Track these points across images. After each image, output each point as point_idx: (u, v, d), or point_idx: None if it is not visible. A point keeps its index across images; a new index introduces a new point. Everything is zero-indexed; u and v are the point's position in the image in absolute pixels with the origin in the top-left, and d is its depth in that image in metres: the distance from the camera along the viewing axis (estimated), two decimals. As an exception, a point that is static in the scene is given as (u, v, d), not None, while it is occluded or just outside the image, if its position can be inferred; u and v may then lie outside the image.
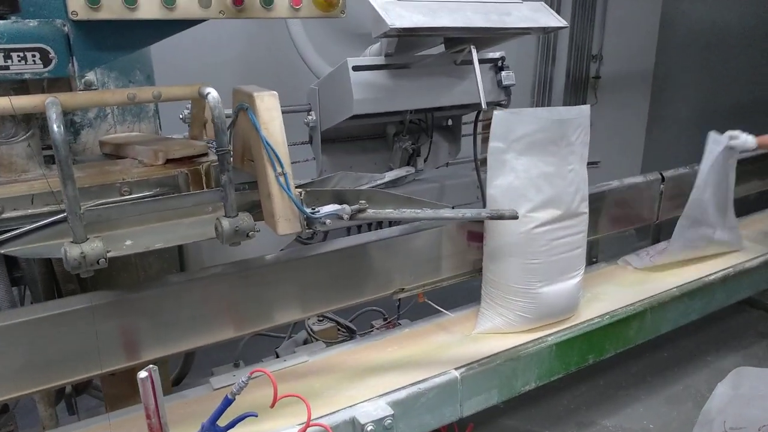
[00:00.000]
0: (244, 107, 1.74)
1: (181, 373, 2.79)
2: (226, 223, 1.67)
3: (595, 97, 6.11)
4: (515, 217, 2.18)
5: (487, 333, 2.55)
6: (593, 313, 2.72)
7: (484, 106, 2.35)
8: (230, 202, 1.68)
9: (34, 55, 1.53)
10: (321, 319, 3.10)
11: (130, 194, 1.74)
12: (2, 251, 1.60)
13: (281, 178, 1.73)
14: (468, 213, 2.04)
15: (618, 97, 6.27)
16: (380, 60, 2.50)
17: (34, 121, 1.67)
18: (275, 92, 1.75)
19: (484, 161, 3.26)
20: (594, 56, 5.97)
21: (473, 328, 2.61)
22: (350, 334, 3.20)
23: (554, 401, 3.30)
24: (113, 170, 1.79)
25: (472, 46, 2.37)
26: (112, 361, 2.00)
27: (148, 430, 1.51)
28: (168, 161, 1.82)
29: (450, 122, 3.26)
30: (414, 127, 3.01)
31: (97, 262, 1.53)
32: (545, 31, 2.58)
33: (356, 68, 2.41)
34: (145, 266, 2.22)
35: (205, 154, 1.89)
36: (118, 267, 2.17)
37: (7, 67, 1.51)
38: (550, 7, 2.73)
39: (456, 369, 2.28)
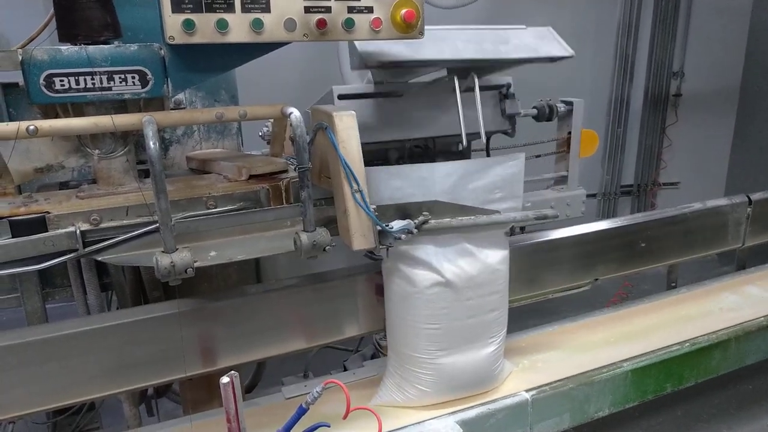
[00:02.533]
0: (323, 126, 1.80)
1: (253, 381, 2.87)
2: (304, 237, 1.73)
3: (676, 115, 5.87)
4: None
5: (385, 406, 2.15)
6: (666, 342, 2.56)
7: (483, 138, 2.28)
8: (309, 217, 1.74)
9: (133, 77, 1.65)
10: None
11: (216, 208, 1.83)
12: (99, 258, 1.73)
13: (357, 195, 1.77)
14: (517, 216, 2.04)
15: (700, 115, 6.00)
16: (369, 88, 2.31)
17: (131, 137, 1.80)
18: (353, 112, 1.80)
19: (562, 179, 3.20)
20: (675, 73, 5.75)
21: (540, 349, 2.55)
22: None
23: (628, 430, 3.16)
24: (200, 185, 1.90)
25: (473, 74, 2.20)
26: (192, 366, 2.10)
27: (226, 434, 1.57)
28: (251, 177, 1.91)
29: (461, 147, 3.15)
30: (418, 151, 2.89)
31: (185, 271, 1.61)
32: (552, 60, 2.30)
33: (341, 97, 2.23)
34: (225, 276, 2.33)
35: (285, 171, 1.97)
36: (200, 276, 2.26)
37: (109, 88, 1.64)
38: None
39: (527, 391, 2.23)
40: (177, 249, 1.63)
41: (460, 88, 2.21)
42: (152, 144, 1.54)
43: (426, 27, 1.85)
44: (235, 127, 2.32)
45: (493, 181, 2.06)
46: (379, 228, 1.79)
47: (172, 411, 2.96)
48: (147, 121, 1.58)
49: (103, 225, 1.73)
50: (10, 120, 2.60)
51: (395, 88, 2.30)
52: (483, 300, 2.07)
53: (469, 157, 2.86)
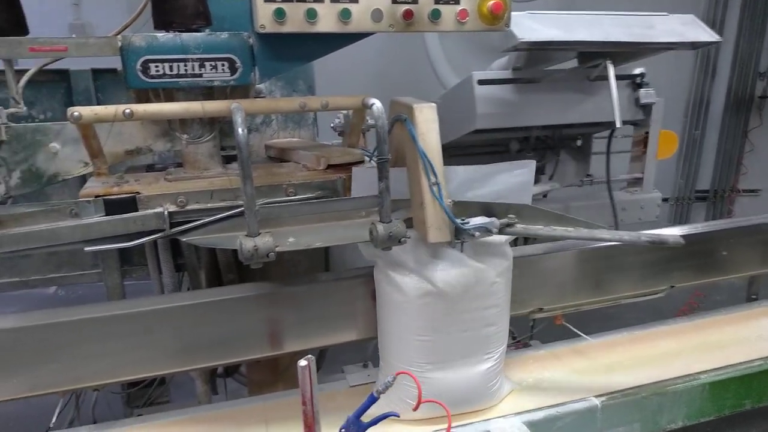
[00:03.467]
0: (401, 118, 1.80)
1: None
2: (381, 227, 1.73)
3: (760, 118, 5.54)
4: (679, 244, 1.93)
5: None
6: (745, 356, 2.42)
7: (618, 124, 2.22)
8: (386, 208, 1.74)
9: (223, 65, 1.70)
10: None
11: (295, 195, 1.86)
12: (184, 239, 1.79)
13: (434, 188, 1.76)
14: (626, 236, 1.91)
15: (788, 119, 5.65)
16: (507, 74, 2.42)
17: (217, 124, 1.85)
18: (434, 104, 1.79)
19: (635, 181, 3.09)
20: (762, 74, 5.43)
21: (609, 355, 2.47)
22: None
23: (699, 446, 3.02)
24: (280, 172, 1.94)
25: (608, 62, 2.22)
26: (260, 349, 2.14)
27: (302, 416, 1.60)
28: (329, 167, 1.93)
29: (579, 142, 3.12)
30: (539, 144, 2.91)
31: (267, 255, 1.65)
32: (694, 46, 2.30)
33: (481, 82, 2.35)
34: (296, 263, 2.37)
35: (362, 162, 1.98)
36: (273, 262, 2.33)
37: (200, 75, 1.69)
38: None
39: (596, 397, 2.17)
40: (260, 233, 1.66)
41: (590, 77, 2.23)
42: (241, 131, 1.58)
43: (560, 11, 1.87)
44: (312, 117, 2.36)
45: (497, 189, 1.97)
46: (453, 223, 1.78)
47: (236, 391, 3.04)
48: (236, 108, 1.61)
49: (188, 207, 1.79)
50: (98, 104, 2.74)
51: (533, 75, 2.36)
52: (479, 314, 1.94)
53: (588, 153, 2.85)
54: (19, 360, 1.88)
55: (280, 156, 2.12)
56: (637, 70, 2.60)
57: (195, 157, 1.86)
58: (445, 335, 1.93)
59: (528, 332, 3.32)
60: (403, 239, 1.76)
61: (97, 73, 2.63)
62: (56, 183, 1.95)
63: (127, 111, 1.62)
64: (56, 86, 2.58)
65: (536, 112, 2.43)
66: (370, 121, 2.59)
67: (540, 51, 2.23)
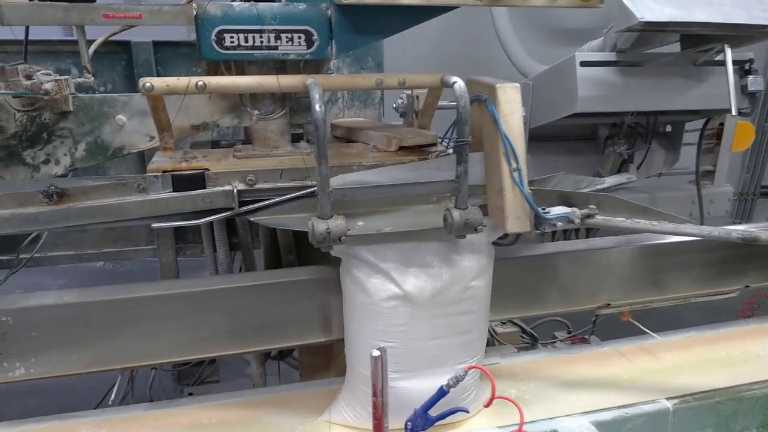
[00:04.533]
0: (482, 98, 1.70)
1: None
2: (456, 214, 1.64)
3: None
4: None
5: (336, 424, 1.93)
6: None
7: (734, 112, 2.08)
8: (463, 193, 1.65)
9: (300, 37, 1.62)
10: (505, 322, 3.01)
11: (364, 177, 1.78)
12: (253, 219, 1.73)
13: (515, 174, 1.66)
14: (715, 232, 1.79)
15: None
16: (611, 56, 2.33)
17: (288, 100, 1.78)
18: (517, 84, 1.68)
19: (706, 174, 2.93)
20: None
21: (679, 355, 2.35)
22: (532, 342, 3.07)
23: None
24: (350, 153, 1.86)
25: (725, 45, 2.10)
26: (315, 334, 2.08)
27: (372, 407, 1.53)
28: (400, 148, 1.84)
29: (669, 128, 2.97)
30: (630, 131, 2.78)
31: (339, 239, 1.58)
32: None
33: (584, 63, 2.27)
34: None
35: (434, 144, 1.89)
36: (330, 245, 2.27)
37: (275, 47, 1.61)
38: None
39: (668, 399, 2.06)
40: (332, 216, 1.59)
41: (697, 61, 2.11)
42: (318, 107, 1.50)
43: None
44: (378, 96, 2.26)
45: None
46: (533, 213, 1.68)
47: (286, 373, 3.02)
48: (312, 84, 1.53)
49: (258, 186, 1.72)
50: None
51: (637, 58, 2.27)
52: (452, 320, 1.79)
53: (679, 142, 2.71)
54: (79, 335, 1.86)
55: (347, 136, 2.04)
56: (746, 56, 2.45)
57: (265, 134, 1.79)
58: (414, 342, 1.78)
59: (583, 326, 3.21)
60: (480, 227, 1.67)
61: (157, 45, 2.58)
62: (121, 156, 1.90)
63: (200, 83, 1.55)
64: (117, 58, 2.54)
65: (639, 97, 2.34)
66: (400, 99, 2.48)
67: (649, 32, 2.11)
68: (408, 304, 1.74)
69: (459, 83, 1.61)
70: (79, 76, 1.85)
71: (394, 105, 2.51)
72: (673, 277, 2.52)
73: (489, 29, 4.27)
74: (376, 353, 1.48)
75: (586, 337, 3.09)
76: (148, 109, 1.84)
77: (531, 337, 3.07)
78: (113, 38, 2.11)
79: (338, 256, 1.80)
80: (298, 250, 2.29)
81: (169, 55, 2.63)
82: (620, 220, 1.80)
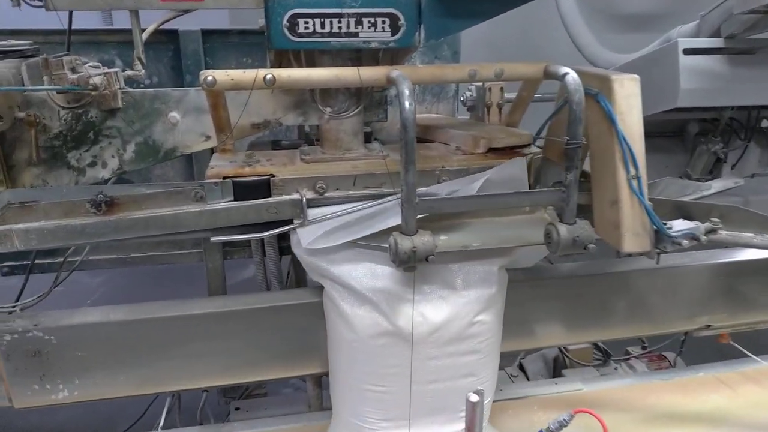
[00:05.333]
0: (592, 92, 1.44)
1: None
2: (563, 230, 1.40)
3: None
4: None
5: None
6: None
7: None
8: (572, 206, 1.41)
9: (384, 22, 1.39)
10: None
11: (449, 183, 1.54)
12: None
13: (634, 182, 1.41)
14: None
15: None
16: (717, 43, 2.03)
17: (364, 96, 1.55)
18: (637, 76, 1.43)
19: (811, 176, 2.61)
20: None
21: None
22: (605, 358, 2.81)
23: None
24: (430, 155, 1.63)
25: None
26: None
27: (469, 464, 1.31)
28: (489, 150, 1.60)
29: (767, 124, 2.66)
30: (726, 127, 2.49)
31: (426, 259, 1.35)
32: None
33: (688, 51, 1.99)
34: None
35: (528, 145, 1.64)
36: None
37: (356, 34, 1.39)
38: None
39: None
40: (417, 231, 1.36)
41: None
42: (407, 104, 1.27)
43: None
44: (453, 90, 2.02)
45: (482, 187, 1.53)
46: (655, 227, 1.42)
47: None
48: (400, 77, 1.31)
49: (328, 194, 1.51)
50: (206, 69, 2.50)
51: (748, 45, 2.02)
52: (453, 360, 1.54)
53: None
54: (127, 355, 1.69)
55: (422, 134, 1.80)
56: None
57: (337, 135, 1.56)
58: (407, 386, 1.53)
59: (658, 341, 2.92)
60: (590, 246, 1.42)
61: (206, 34, 2.38)
62: (172, 158, 1.70)
63: (269, 77, 1.33)
64: (164, 48, 2.35)
65: (748, 89, 2.03)
66: (469, 92, 2.23)
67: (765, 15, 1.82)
68: (401, 343, 1.48)
69: (571, 75, 1.36)
70: (126, 69, 1.66)
71: (462, 98, 2.27)
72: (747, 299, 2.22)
73: (544, 14, 3.98)
74: (474, 398, 1.25)
75: (665, 354, 2.81)
76: (204, 105, 1.64)
77: (604, 354, 2.81)
78: (162, 26, 1.92)
79: (318, 281, 1.56)
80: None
81: (218, 45, 2.43)
82: (750, 237, 1.53)
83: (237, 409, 2.35)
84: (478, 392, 1.27)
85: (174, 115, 1.63)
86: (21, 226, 1.39)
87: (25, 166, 1.60)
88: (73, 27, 1.82)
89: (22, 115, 1.50)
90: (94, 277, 4.35)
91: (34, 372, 1.65)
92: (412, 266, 1.39)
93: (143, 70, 1.62)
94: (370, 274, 1.48)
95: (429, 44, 1.99)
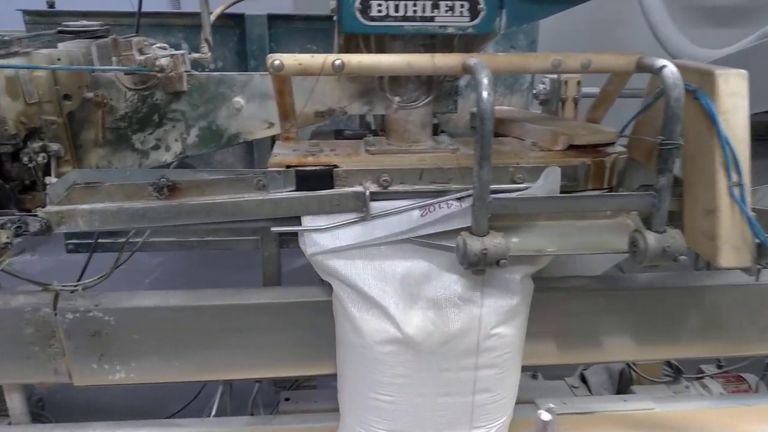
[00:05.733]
0: (690, 88, 1.30)
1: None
2: (652, 239, 1.27)
3: None
4: None
5: None
6: None
7: None
8: (663, 212, 1.27)
9: (462, 6, 1.29)
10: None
11: (523, 182, 1.44)
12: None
13: (736, 190, 1.26)
14: None
15: None
16: None
17: (435, 85, 1.46)
18: (744, 72, 1.27)
19: None
20: None
21: None
22: (675, 376, 2.63)
23: None
24: (504, 151, 1.52)
25: None
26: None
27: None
28: (569, 147, 1.48)
29: None
30: None
31: (497, 263, 1.25)
32: None
33: None
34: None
35: (612, 143, 1.51)
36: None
37: (431, 18, 1.30)
38: None
39: None
40: (488, 232, 1.27)
41: None
42: (485, 95, 1.18)
43: None
44: (527, 82, 1.90)
45: None
46: (758, 240, 1.27)
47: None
48: (478, 65, 1.21)
49: (392, 188, 1.43)
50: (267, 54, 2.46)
51: None
52: (467, 374, 1.43)
53: None
54: (183, 341, 1.67)
55: (494, 128, 1.69)
56: None
57: (404, 126, 1.48)
58: (416, 398, 1.44)
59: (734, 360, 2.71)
60: (681, 258, 1.29)
61: (272, 19, 2.34)
62: (235, 144, 1.67)
63: (338, 62, 1.26)
64: (229, 32, 2.33)
65: None
66: (542, 84, 2.09)
67: None
68: (409, 351, 1.39)
69: (670, 68, 1.22)
70: (192, 53, 1.63)
71: (535, 90, 2.14)
72: None
73: (616, 7, 3.77)
74: (546, 416, 1.15)
75: (743, 375, 2.60)
76: (269, 91, 1.59)
77: (675, 370, 2.62)
78: (227, 10, 1.89)
79: (327, 280, 1.49)
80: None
81: (282, 30, 2.38)
82: None
83: (287, 399, 2.32)
84: (550, 410, 1.17)
85: (238, 100, 1.59)
86: (85, 206, 1.37)
87: (92, 147, 1.60)
88: (143, 10, 1.81)
89: (90, 95, 1.49)
90: (153, 257, 4.45)
91: (93, 351, 1.66)
92: (481, 270, 1.30)
93: (209, 53, 1.58)
94: (380, 276, 1.40)
95: (506, 32, 1.88)
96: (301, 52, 2.38)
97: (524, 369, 2.55)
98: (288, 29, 2.38)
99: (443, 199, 1.38)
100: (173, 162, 1.66)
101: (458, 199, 1.35)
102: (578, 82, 2.08)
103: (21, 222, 1.37)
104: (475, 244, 1.24)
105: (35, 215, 1.37)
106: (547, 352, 1.83)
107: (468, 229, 1.28)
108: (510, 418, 1.62)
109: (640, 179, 1.55)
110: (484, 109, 1.18)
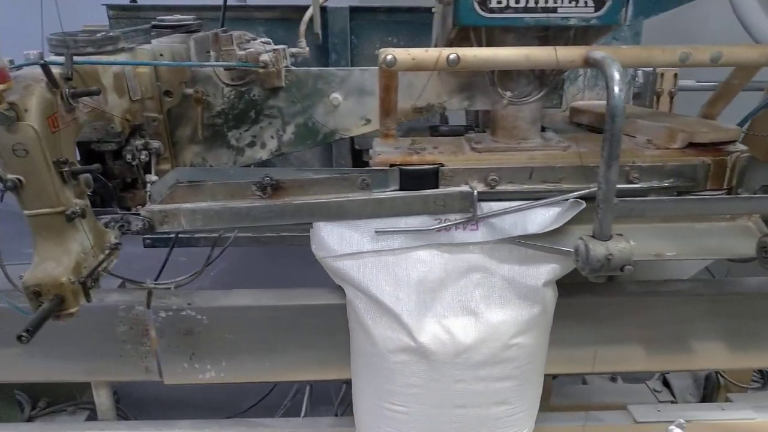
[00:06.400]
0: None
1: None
2: (791, 245, 1.18)
3: None
4: None
5: None
6: None
7: None
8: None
9: (590, -5, 1.21)
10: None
11: (639, 183, 1.36)
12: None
13: None
14: None
15: None
16: None
17: (547, 79, 1.39)
18: None
19: None
20: None
21: None
22: (763, 381, 2.50)
23: None
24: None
25: None
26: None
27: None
28: (689, 145, 1.39)
29: None
30: None
31: (621, 269, 1.18)
32: None
33: None
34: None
35: (733, 142, 1.41)
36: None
37: (554, 9, 1.23)
38: None
39: None
40: (611, 236, 1.20)
41: None
42: (617, 90, 1.11)
43: None
44: (630, 74, 1.81)
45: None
46: None
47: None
48: (607, 59, 1.14)
49: (500, 188, 1.37)
50: (352, 48, 2.42)
51: None
52: (484, 386, 1.38)
53: None
54: (274, 341, 1.65)
55: (600, 124, 1.61)
56: None
57: (514, 122, 1.42)
58: (431, 410, 1.40)
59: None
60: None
61: (354, 11, 2.30)
62: (331, 142, 1.63)
63: (453, 57, 1.21)
64: (309, 26, 2.29)
65: None
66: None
67: None
68: (423, 361, 1.35)
69: (820, 61, 1.13)
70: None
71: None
72: None
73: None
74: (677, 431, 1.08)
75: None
76: (367, 87, 1.55)
77: (763, 376, 2.50)
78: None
79: (340, 284, 1.45)
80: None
81: (364, 24, 2.34)
82: None
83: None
84: (679, 425, 1.10)
85: (336, 96, 1.55)
86: (189, 205, 1.36)
87: (187, 144, 1.59)
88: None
89: (190, 91, 1.48)
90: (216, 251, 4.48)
91: (184, 350, 1.66)
92: (604, 276, 1.23)
93: (307, 48, 1.55)
94: (394, 282, 1.35)
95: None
96: (381, 44, 2.34)
97: (602, 374, 2.49)
98: (369, 22, 2.33)
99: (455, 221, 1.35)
100: (268, 159, 1.64)
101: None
102: (675, 75, 1.98)
103: (123, 221, 1.37)
104: (598, 249, 1.17)
105: (138, 214, 1.36)
106: (634, 357, 1.75)
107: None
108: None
109: (761, 179, 1.45)
110: (616, 106, 1.11)
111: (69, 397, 2.31)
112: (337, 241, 1.37)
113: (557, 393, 2.30)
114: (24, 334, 0.97)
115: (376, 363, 1.40)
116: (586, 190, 1.30)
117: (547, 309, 1.41)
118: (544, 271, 1.36)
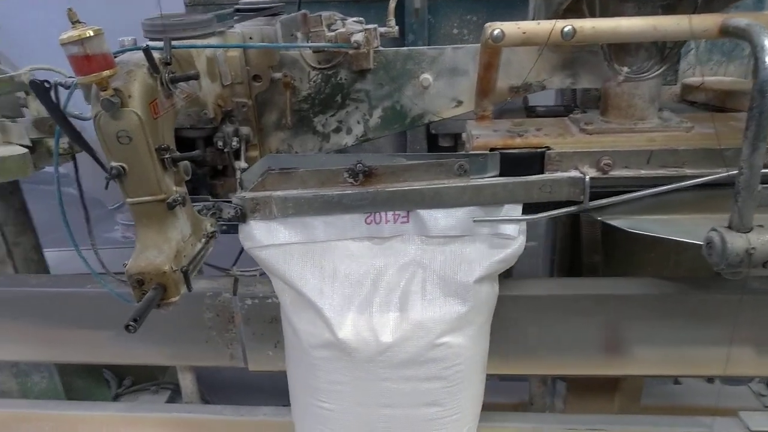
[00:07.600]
0: None
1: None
2: None
3: None
4: None
5: None
6: None
7: None
8: None
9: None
10: None
11: (775, 167, 1.21)
12: (605, 219, 1.27)
13: None
14: None
15: None
16: None
17: (669, 53, 1.25)
18: None
19: None
20: None
21: None
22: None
23: None
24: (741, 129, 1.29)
25: None
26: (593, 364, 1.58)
27: None
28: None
29: None
30: None
31: (763, 265, 1.05)
32: None
33: None
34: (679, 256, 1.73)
35: None
36: (646, 245, 1.73)
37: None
38: None
39: None
40: (752, 228, 1.07)
41: None
42: None
43: None
44: (748, 47, 1.63)
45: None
46: None
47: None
48: (754, 26, 1.01)
49: (614, 173, 1.25)
50: (429, 28, 2.33)
51: None
52: (411, 386, 1.31)
53: None
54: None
55: (720, 103, 1.47)
56: None
57: (630, 101, 1.29)
58: (355, 407, 1.35)
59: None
60: None
61: (431, -9, 2.20)
62: (419, 125, 1.55)
63: (567, 29, 1.10)
64: (384, 6, 2.21)
65: None
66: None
67: None
68: (346, 358, 1.30)
69: None
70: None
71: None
72: None
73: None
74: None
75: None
76: (460, 66, 1.46)
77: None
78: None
79: (269, 275, 1.39)
80: (606, 248, 1.80)
81: (441, 4, 2.24)
82: None
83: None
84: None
85: (426, 77, 1.46)
86: (280, 193, 1.31)
87: (273, 130, 1.54)
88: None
89: (278, 75, 1.42)
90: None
91: (270, 338, 1.63)
92: (736, 274, 1.10)
93: (396, 27, 1.47)
94: (319, 274, 1.30)
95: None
96: (459, 23, 2.22)
97: (698, 377, 2.30)
98: (447, 2, 2.22)
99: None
100: (353, 145, 1.57)
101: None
102: None
103: (216, 208, 1.34)
104: (737, 242, 1.05)
105: (229, 201, 1.33)
106: (741, 360, 1.59)
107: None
108: None
109: None
110: (766, 81, 0.97)
111: (151, 377, 2.37)
112: (261, 231, 1.33)
113: (647, 393, 2.16)
114: (132, 323, 0.95)
115: (301, 358, 1.38)
116: (713, 176, 1.17)
117: (482, 307, 1.31)
118: (478, 268, 1.27)
